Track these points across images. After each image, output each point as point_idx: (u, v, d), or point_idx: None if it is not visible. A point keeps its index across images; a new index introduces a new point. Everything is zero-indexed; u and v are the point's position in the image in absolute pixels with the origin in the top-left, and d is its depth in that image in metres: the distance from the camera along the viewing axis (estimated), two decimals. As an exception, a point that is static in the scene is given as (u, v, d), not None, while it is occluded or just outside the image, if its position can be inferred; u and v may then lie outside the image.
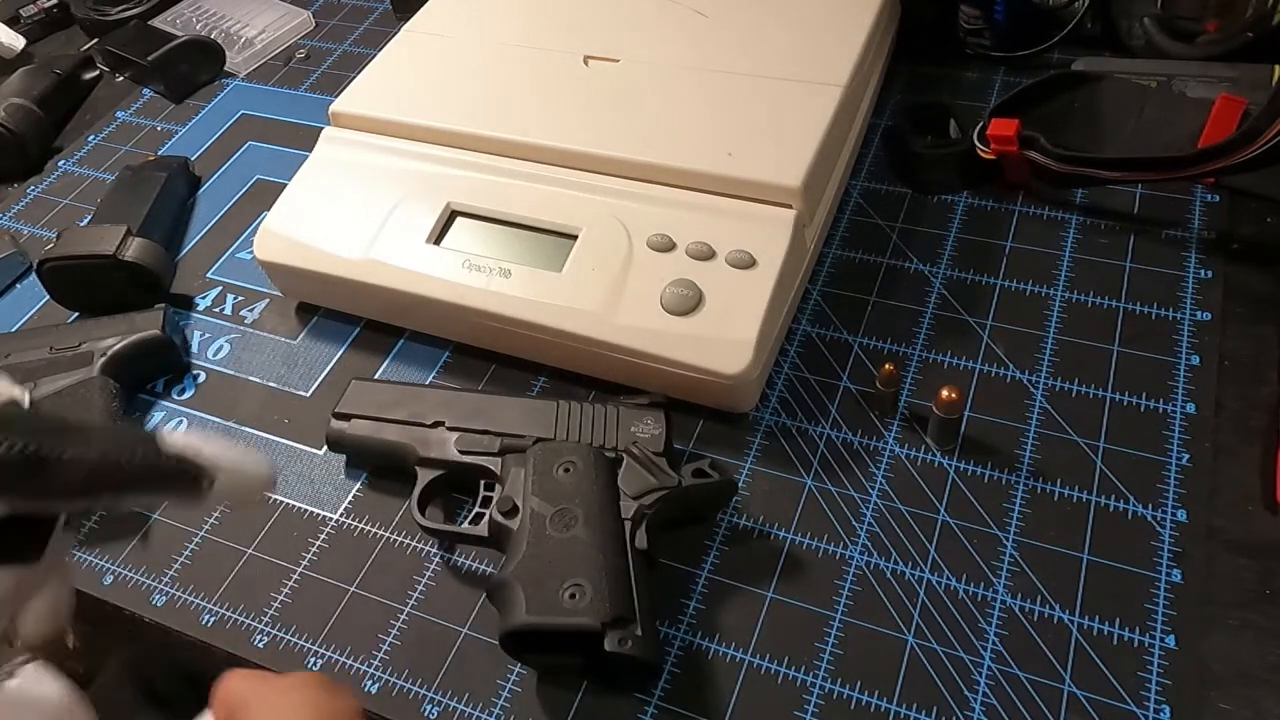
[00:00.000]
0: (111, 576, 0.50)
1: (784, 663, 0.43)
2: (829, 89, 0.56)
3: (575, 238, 0.53)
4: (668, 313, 0.50)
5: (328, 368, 0.58)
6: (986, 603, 0.44)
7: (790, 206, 0.52)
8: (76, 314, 0.64)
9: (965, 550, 0.46)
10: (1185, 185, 0.59)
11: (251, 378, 0.58)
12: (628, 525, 0.44)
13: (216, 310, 0.63)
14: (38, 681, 0.35)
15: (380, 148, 0.60)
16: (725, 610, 0.45)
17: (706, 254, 0.51)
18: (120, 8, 0.89)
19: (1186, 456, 0.47)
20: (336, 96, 0.62)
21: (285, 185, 0.61)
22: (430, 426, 0.49)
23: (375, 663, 0.45)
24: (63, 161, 0.77)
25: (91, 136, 0.79)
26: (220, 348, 0.61)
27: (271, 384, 0.58)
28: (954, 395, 0.48)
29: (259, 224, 0.60)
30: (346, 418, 0.51)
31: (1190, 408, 0.49)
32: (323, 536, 0.50)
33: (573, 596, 0.41)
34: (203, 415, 0.57)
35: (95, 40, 0.88)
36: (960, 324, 0.55)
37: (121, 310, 0.59)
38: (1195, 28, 0.66)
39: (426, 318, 0.57)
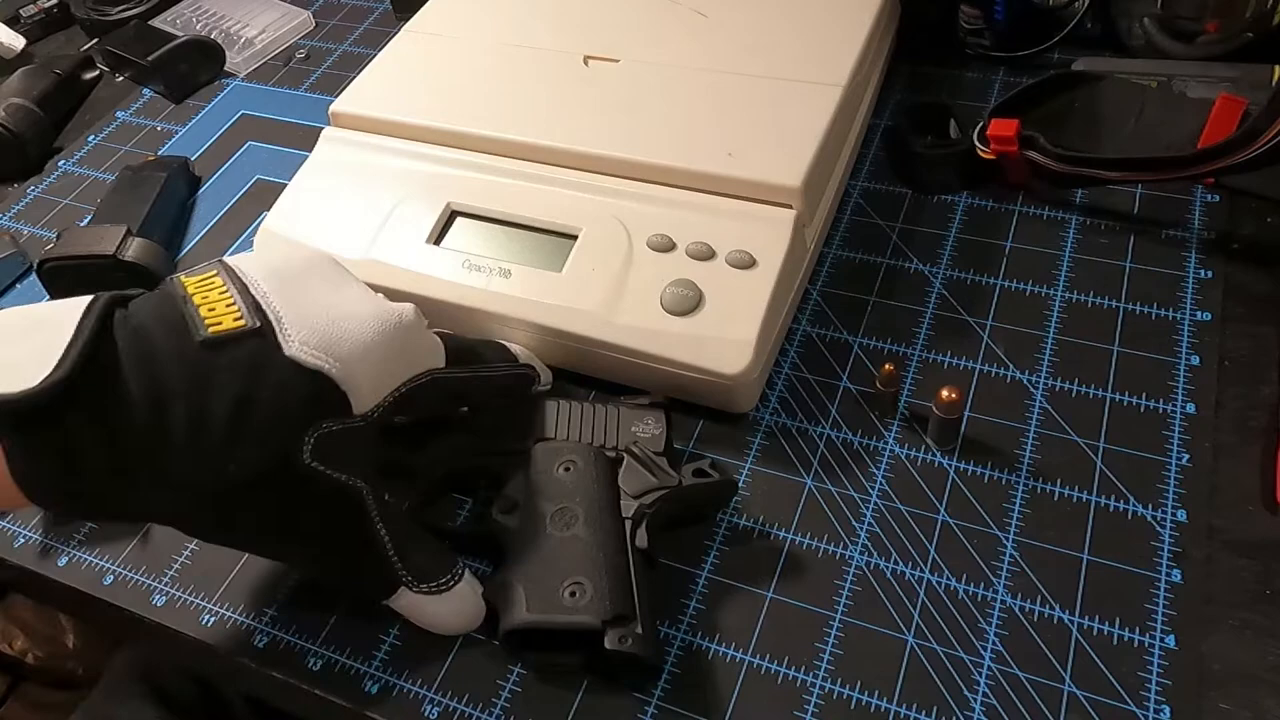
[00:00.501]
0: (111, 576, 0.50)
1: (784, 663, 0.43)
2: (829, 89, 0.56)
3: (575, 238, 0.53)
4: (668, 313, 0.50)
5: (328, 368, 0.58)
6: (986, 603, 0.44)
7: (790, 206, 0.52)
8: (76, 314, 0.64)
9: (965, 550, 0.46)
10: (1185, 185, 0.60)
11: (251, 378, 0.58)
12: (628, 524, 0.44)
13: (216, 310, 0.63)
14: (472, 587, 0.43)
15: (380, 148, 0.60)
16: (725, 610, 0.45)
17: (706, 254, 0.51)
18: (120, 8, 0.89)
19: (1186, 456, 0.47)
20: (336, 96, 0.62)
21: (285, 185, 0.61)
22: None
23: (375, 663, 0.45)
24: (63, 161, 0.77)
25: (91, 136, 0.79)
26: (220, 348, 0.61)
27: (271, 384, 0.58)
28: (954, 395, 0.48)
29: (259, 224, 0.60)
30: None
31: (1190, 408, 0.49)
32: (323, 536, 0.50)
33: (573, 595, 0.41)
34: (203, 415, 0.57)
35: (95, 40, 0.88)
36: (960, 324, 0.55)
37: (122, 310, 0.59)
38: (1195, 28, 0.66)
39: (426, 317, 0.57)
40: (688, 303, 0.50)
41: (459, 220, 0.56)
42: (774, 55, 0.59)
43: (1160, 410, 0.49)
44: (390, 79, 0.63)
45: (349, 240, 0.56)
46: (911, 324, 0.55)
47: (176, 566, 0.49)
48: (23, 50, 0.88)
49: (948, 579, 0.45)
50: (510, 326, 0.53)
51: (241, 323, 0.37)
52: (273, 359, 0.37)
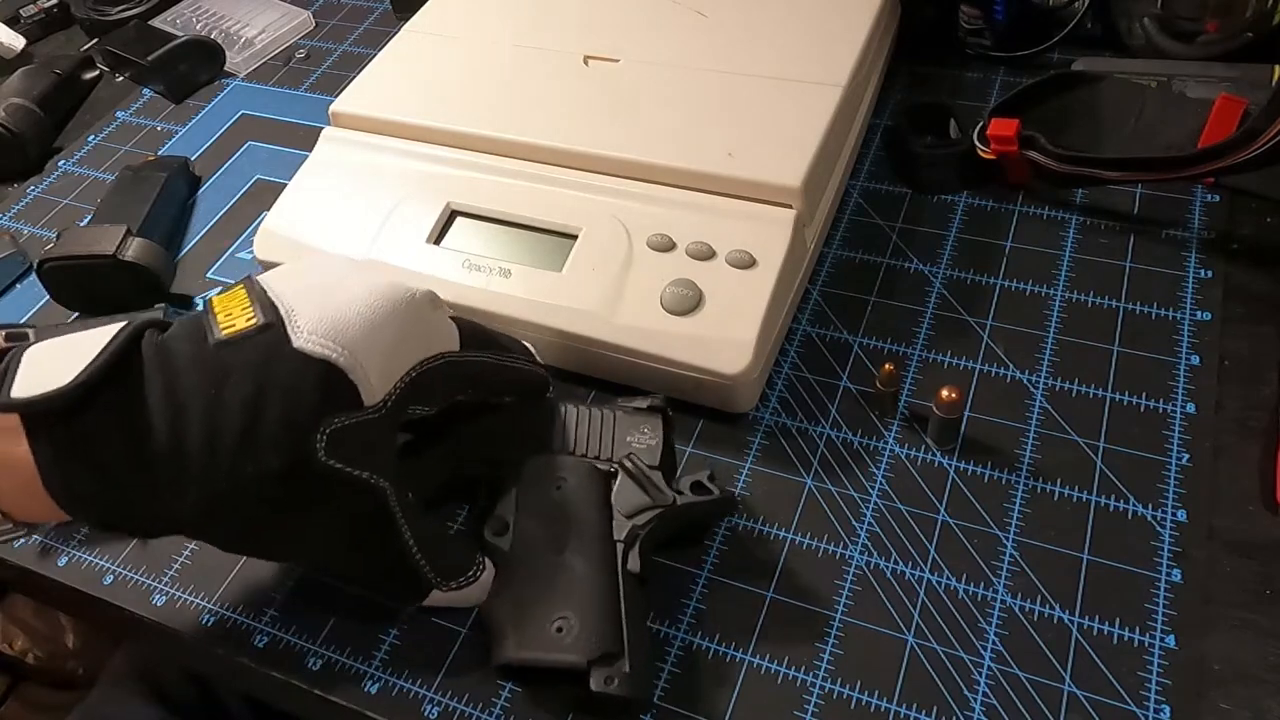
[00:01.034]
0: (111, 576, 0.50)
1: (784, 663, 0.43)
2: (829, 89, 0.56)
3: (575, 238, 0.53)
4: (668, 313, 0.50)
5: (328, 368, 0.58)
6: (986, 603, 0.44)
7: (790, 206, 0.52)
8: (76, 314, 0.64)
9: (965, 550, 0.46)
10: (1185, 185, 0.60)
11: (251, 378, 0.58)
12: (620, 547, 0.43)
13: (216, 310, 0.63)
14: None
15: (380, 148, 0.60)
16: (725, 610, 0.45)
17: (706, 254, 0.51)
18: (120, 8, 0.89)
19: (1186, 456, 0.47)
20: (336, 96, 0.62)
21: (285, 185, 0.61)
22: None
23: (375, 663, 0.45)
24: (63, 161, 0.77)
25: (91, 136, 0.79)
26: (220, 348, 0.61)
27: (271, 384, 0.58)
28: (954, 395, 0.48)
29: (259, 224, 0.60)
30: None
31: (1190, 408, 0.49)
32: (323, 536, 0.50)
33: (559, 630, 0.40)
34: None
35: (95, 40, 0.88)
36: (960, 324, 0.55)
37: (122, 310, 0.59)
38: (1195, 28, 0.66)
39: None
40: (688, 303, 0.50)
41: (459, 220, 0.56)
42: (774, 55, 0.59)
43: (1160, 410, 0.49)
44: (390, 79, 0.63)
45: (349, 240, 0.56)
46: (911, 324, 0.55)
47: (176, 566, 0.49)
48: (23, 50, 0.88)
49: (948, 579, 0.45)
50: (510, 326, 0.52)
51: (254, 322, 0.38)
52: (282, 352, 0.37)
